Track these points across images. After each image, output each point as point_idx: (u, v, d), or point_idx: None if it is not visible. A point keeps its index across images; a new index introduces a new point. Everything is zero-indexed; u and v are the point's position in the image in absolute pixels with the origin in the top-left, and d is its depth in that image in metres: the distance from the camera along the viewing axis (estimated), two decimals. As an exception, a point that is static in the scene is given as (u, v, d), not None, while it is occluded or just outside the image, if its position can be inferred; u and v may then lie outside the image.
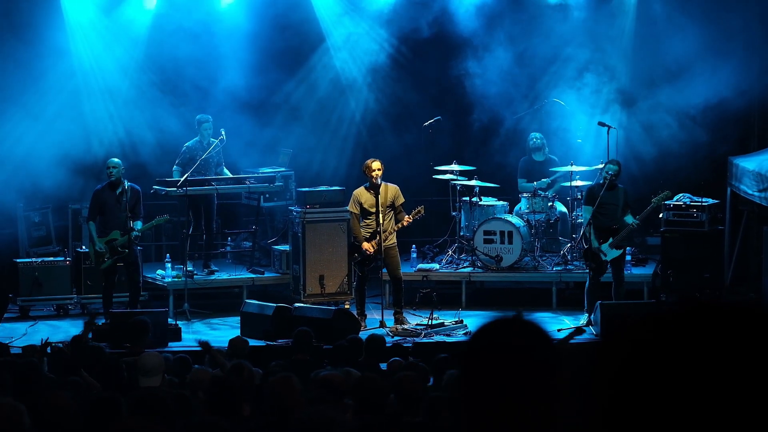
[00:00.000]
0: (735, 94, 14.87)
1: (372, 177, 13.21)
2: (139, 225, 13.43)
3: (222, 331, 13.14)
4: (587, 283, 13.34)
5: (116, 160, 13.56)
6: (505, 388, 2.15)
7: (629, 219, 13.16)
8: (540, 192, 14.99)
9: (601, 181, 13.30)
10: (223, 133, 14.81)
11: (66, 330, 13.08)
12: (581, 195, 14.27)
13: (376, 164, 13.25)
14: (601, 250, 13.12)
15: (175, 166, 14.86)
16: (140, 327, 10.60)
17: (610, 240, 13.10)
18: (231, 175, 15.02)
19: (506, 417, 2.16)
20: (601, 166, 13.91)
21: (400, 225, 13.27)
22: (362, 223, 13.38)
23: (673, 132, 15.31)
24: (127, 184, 13.35)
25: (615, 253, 13.17)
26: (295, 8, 16.24)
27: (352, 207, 13.44)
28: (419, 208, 13.32)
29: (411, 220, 13.28)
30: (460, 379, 2.23)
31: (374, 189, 13.24)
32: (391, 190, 13.33)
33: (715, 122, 15.03)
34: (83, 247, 14.83)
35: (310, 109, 16.71)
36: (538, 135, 15.46)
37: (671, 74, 15.42)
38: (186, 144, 14.90)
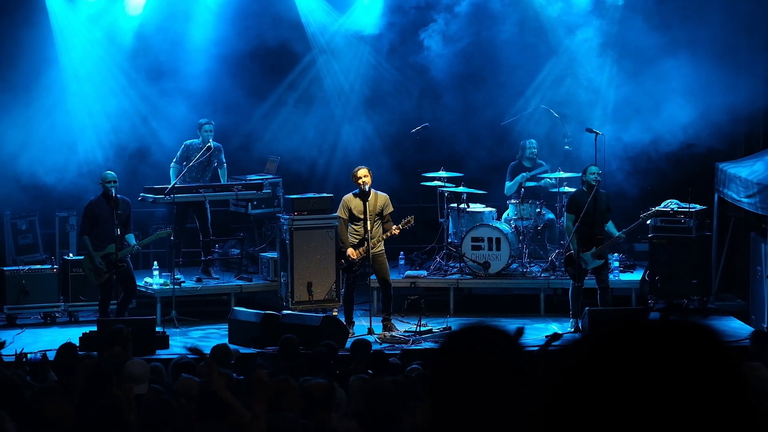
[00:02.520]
0: (723, 100, 14.88)
1: (359, 184, 13.21)
2: (131, 238, 13.33)
3: (213, 340, 13.08)
4: (570, 288, 13.36)
5: (113, 173, 13.33)
6: (474, 393, 2.20)
7: (611, 226, 13.16)
8: (525, 185, 14.94)
9: (584, 189, 13.27)
10: (210, 141, 14.80)
11: (53, 338, 12.96)
12: (569, 201, 14.26)
13: (362, 171, 13.24)
14: (583, 259, 13.12)
15: (172, 163, 14.87)
16: (118, 336, 10.18)
17: (593, 249, 13.10)
18: (226, 179, 15.03)
19: (476, 421, 2.20)
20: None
21: (388, 234, 13.23)
22: (350, 230, 13.37)
23: (661, 138, 15.30)
24: (119, 196, 13.22)
25: (597, 262, 13.18)
26: (282, 15, 16.20)
27: (340, 212, 13.42)
28: (409, 218, 13.29)
29: (399, 231, 13.25)
30: (430, 385, 2.29)
31: (363, 196, 13.23)
32: (380, 199, 13.31)
33: (702, 128, 15.04)
34: (70, 254, 14.77)
35: (297, 115, 16.64)
36: (534, 143, 15.39)
37: (661, 82, 15.42)
38: (185, 142, 14.91)
